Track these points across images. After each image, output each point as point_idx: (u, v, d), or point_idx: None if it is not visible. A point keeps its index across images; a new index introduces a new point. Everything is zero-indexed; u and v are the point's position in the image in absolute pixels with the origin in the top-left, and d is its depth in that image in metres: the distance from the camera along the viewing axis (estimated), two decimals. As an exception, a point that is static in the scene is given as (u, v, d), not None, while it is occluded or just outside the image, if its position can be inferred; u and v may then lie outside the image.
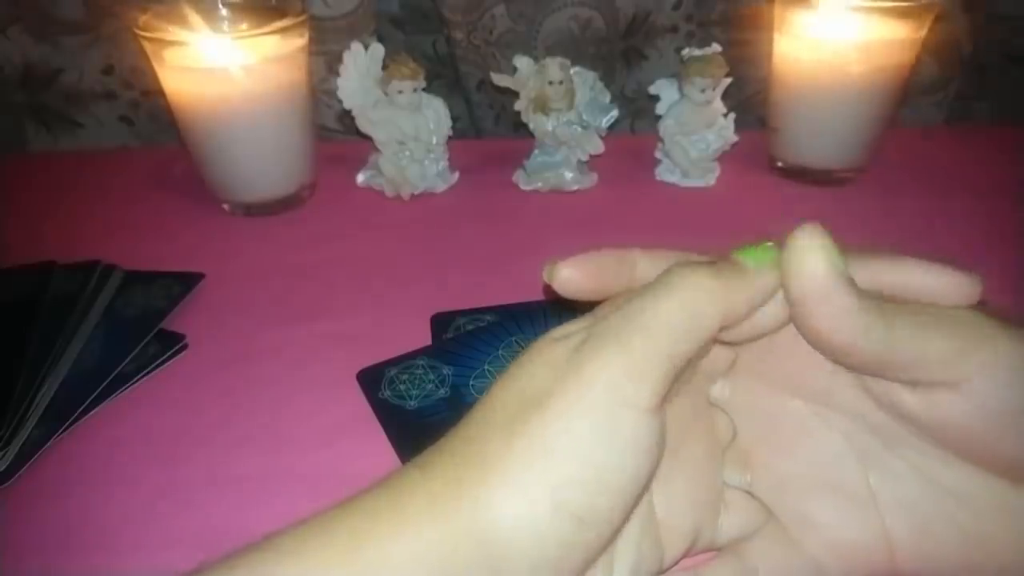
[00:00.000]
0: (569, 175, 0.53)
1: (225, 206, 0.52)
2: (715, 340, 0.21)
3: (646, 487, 0.19)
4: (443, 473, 0.18)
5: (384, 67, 0.51)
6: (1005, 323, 0.19)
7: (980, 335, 0.19)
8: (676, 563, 0.23)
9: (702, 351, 0.20)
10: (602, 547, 0.19)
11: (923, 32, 0.48)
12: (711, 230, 0.48)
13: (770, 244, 0.21)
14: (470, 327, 0.39)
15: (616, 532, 0.19)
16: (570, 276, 0.22)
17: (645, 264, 0.23)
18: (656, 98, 0.53)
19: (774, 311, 0.21)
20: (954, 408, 0.19)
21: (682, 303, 0.19)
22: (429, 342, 0.38)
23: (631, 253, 0.23)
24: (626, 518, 0.19)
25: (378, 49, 0.51)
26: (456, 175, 0.55)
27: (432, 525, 0.17)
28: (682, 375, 0.21)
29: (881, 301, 0.19)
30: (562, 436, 0.18)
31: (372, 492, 0.19)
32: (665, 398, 0.19)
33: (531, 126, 0.52)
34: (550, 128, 0.51)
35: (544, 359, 0.20)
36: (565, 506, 0.17)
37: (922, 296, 0.20)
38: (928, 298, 0.20)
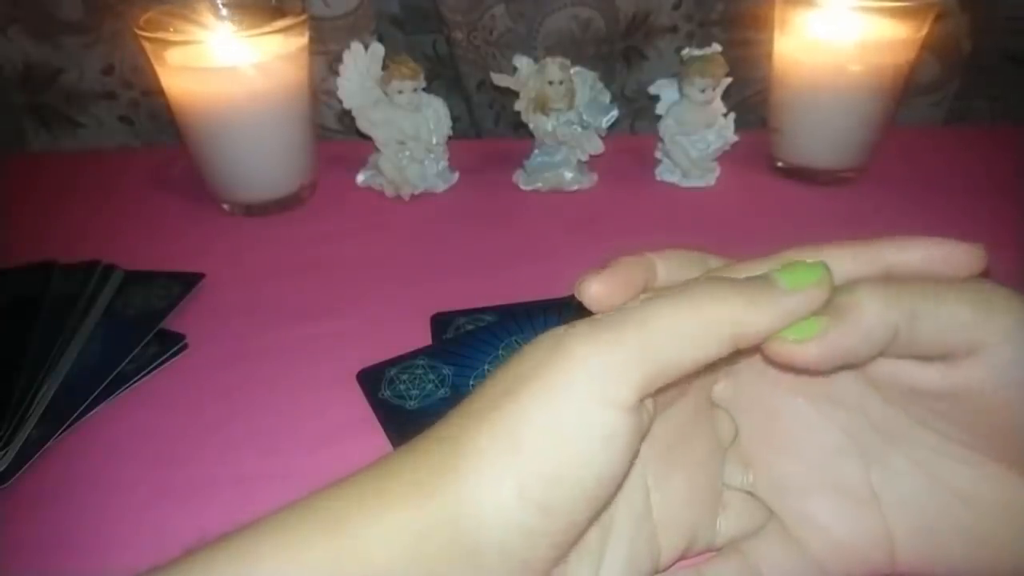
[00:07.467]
0: (569, 175, 0.53)
1: (225, 206, 0.52)
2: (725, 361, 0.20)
3: (621, 482, 0.19)
4: (426, 458, 0.19)
5: (384, 67, 0.51)
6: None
7: (999, 297, 0.19)
8: (674, 563, 0.23)
9: (705, 368, 0.19)
10: (573, 539, 0.19)
11: (923, 32, 0.48)
12: (711, 230, 0.48)
13: (818, 263, 0.19)
14: (470, 327, 0.39)
15: (588, 524, 0.19)
16: (599, 291, 0.22)
17: (661, 267, 0.23)
18: (656, 98, 0.53)
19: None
20: (971, 376, 0.19)
21: (693, 310, 0.18)
22: (429, 342, 0.38)
23: (648, 258, 0.23)
24: (599, 512, 0.19)
25: (378, 49, 0.51)
26: (456, 175, 0.55)
27: (410, 509, 0.18)
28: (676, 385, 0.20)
29: (896, 290, 0.19)
30: (530, 428, 0.18)
31: (361, 474, 0.19)
32: (650, 398, 0.19)
33: (531, 126, 0.52)
34: (550, 128, 0.51)
35: (534, 346, 0.19)
36: (531, 497, 0.17)
37: (929, 272, 0.20)
38: (936, 272, 0.20)
